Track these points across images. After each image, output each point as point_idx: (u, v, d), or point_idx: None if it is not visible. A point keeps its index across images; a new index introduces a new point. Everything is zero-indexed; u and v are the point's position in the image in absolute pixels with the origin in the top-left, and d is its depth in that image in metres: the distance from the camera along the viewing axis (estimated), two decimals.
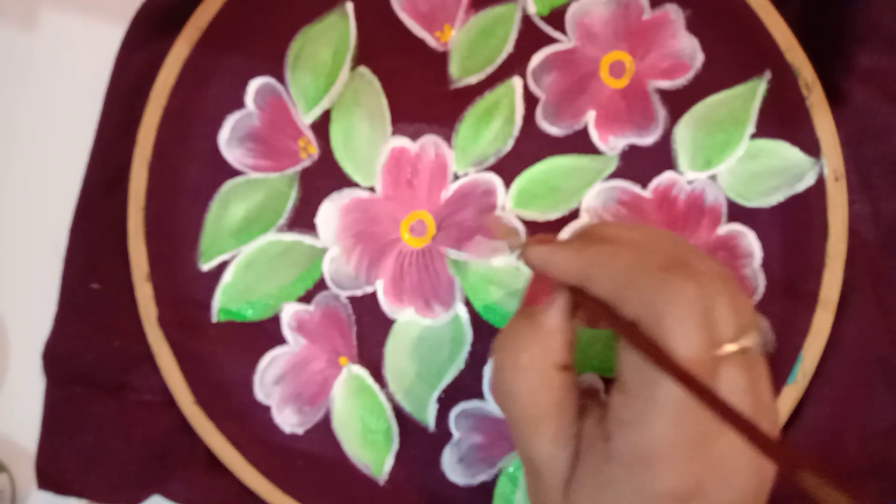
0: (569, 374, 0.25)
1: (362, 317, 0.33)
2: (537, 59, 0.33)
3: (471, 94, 0.33)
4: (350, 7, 0.33)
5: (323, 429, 0.33)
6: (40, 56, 0.35)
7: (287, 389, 0.33)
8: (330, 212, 0.33)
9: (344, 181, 0.33)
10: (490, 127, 0.33)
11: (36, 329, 0.33)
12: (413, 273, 0.33)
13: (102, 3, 0.34)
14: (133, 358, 0.33)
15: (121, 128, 0.33)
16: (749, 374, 0.22)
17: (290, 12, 0.33)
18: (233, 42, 0.33)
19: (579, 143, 0.33)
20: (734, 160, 0.32)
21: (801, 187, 0.32)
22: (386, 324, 0.33)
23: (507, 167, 0.33)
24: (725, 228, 0.32)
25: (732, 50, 0.32)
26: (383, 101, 0.33)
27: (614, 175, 0.33)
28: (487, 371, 0.32)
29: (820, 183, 0.32)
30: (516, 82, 0.33)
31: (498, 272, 0.33)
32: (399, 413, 0.33)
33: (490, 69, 0.33)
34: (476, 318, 0.32)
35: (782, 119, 0.32)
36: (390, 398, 0.33)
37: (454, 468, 0.32)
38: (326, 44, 0.33)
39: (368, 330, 0.33)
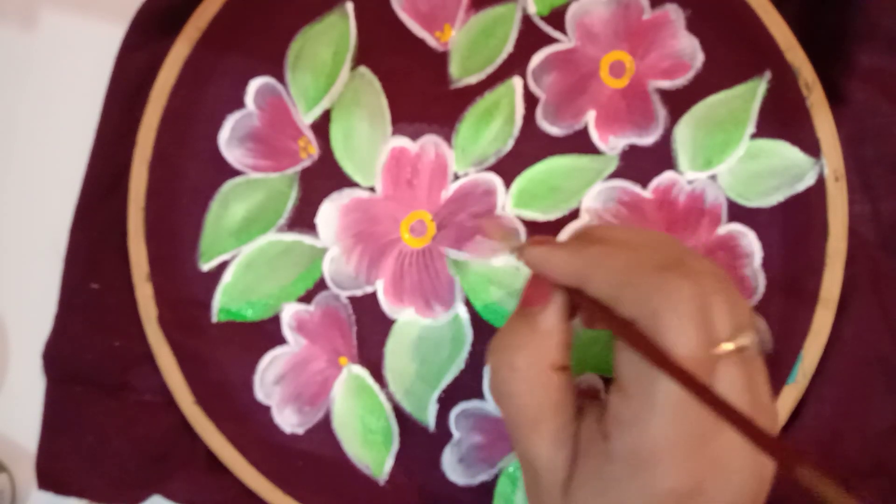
0: (565, 375, 0.25)
1: (362, 317, 0.33)
2: (537, 59, 0.33)
3: (471, 93, 0.33)
4: (350, 7, 0.33)
5: (323, 429, 0.33)
6: (40, 56, 0.35)
7: (287, 389, 0.33)
8: (330, 212, 0.33)
9: (344, 181, 0.33)
10: (490, 127, 0.33)
11: (36, 329, 0.33)
12: (413, 273, 0.33)
13: (102, 3, 0.34)
14: (133, 358, 0.33)
15: (121, 128, 0.33)
16: (746, 373, 0.22)
17: (290, 12, 0.33)
18: (233, 42, 0.33)
19: (579, 143, 0.33)
20: (734, 160, 0.32)
21: (801, 187, 0.32)
22: (386, 324, 0.33)
23: (508, 167, 0.33)
24: (725, 228, 0.32)
25: (732, 50, 0.32)
26: (383, 101, 0.33)
27: (614, 175, 0.33)
28: (488, 371, 0.32)
29: (820, 183, 0.32)
30: (516, 82, 0.33)
31: (498, 272, 0.33)
32: (399, 413, 0.33)
33: (490, 69, 0.33)
34: (476, 318, 0.32)
35: (782, 119, 0.32)
36: (390, 398, 0.33)
37: (454, 468, 0.32)
38: (326, 44, 0.33)
39: (368, 330, 0.33)
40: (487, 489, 0.32)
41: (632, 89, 0.33)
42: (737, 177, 0.32)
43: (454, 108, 0.33)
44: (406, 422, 0.33)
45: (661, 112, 0.33)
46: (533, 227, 0.33)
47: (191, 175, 0.33)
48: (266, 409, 0.33)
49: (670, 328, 0.21)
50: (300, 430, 0.33)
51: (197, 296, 0.33)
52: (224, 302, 0.33)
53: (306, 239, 0.33)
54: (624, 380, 0.22)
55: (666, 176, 0.33)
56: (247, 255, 0.33)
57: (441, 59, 0.33)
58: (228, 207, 0.33)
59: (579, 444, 0.24)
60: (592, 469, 0.23)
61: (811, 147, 0.32)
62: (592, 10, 0.33)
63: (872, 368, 0.32)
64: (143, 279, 0.32)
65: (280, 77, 0.33)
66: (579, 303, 0.24)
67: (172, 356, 0.32)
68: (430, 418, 0.33)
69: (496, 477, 0.32)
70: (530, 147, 0.33)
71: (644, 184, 0.33)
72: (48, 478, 0.32)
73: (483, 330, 0.32)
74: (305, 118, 0.33)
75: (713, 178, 0.33)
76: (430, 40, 0.33)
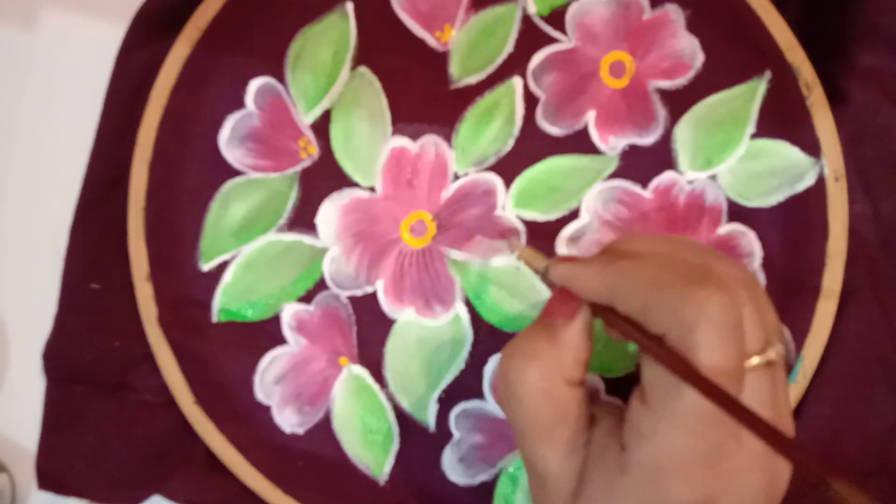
0: (579, 390, 0.25)
1: (362, 317, 0.33)
2: (537, 59, 0.33)
3: (471, 93, 0.33)
4: (350, 7, 0.33)
5: (323, 429, 0.33)
6: (40, 56, 0.35)
7: (287, 389, 0.33)
8: (330, 212, 0.33)
9: (344, 181, 0.33)
10: (490, 127, 0.33)
11: (36, 329, 0.33)
12: (413, 273, 0.33)
13: (102, 3, 0.34)
14: (133, 358, 0.33)
15: (121, 128, 0.33)
16: (772, 386, 0.22)
17: (290, 12, 0.33)
18: (233, 42, 0.33)
19: (579, 143, 0.33)
20: (734, 160, 0.32)
21: (801, 187, 0.32)
22: (386, 324, 0.33)
23: (508, 167, 0.33)
24: (725, 228, 0.32)
25: (732, 50, 0.32)
26: (383, 101, 0.33)
27: (614, 175, 0.33)
28: (488, 371, 0.32)
29: (820, 183, 0.32)
30: (516, 82, 0.33)
31: (498, 272, 0.33)
32: (399, 413, 0.33)
33: (490, 69, 0.33)
34: (476, 318, 0.32)
35: (782, 119, 0.32)
36: (390, 398, 0.33)
37: (454, 468, 0.32)
38: (326, 44, 0.33)
39: (368, 330, 0.33)
40: (487, 489, 0.32)
41: (632, 89, 0.33)
42: (737, 177, 0.32)
43: (454, 108, 0.33)
44: (406, 422, 0.33)
45: (661, 112, 0.33)
46: (533, 227, 0.33)
47: (191, 175, 0.33)
48: (266, 409, 0.33)
49: (703, 343, 0.20)
50: (300, 430, 0.33)
51: (197, 296, 0.33)
52: (224, 302, 0.33)
53: (306, 239, 0.33)
54: (648, 391, 0.22)
55: (666, 176, 0.33)
56: (247, 255, 0.33)
57: (441, 59, 0.33)
58: (228, 207, 0.33)
59: (590, 454, 0.23)
60: (604, 480, 0.22)
61: (811, 147, 0.32)
62: (592, 10, 0.33)
63: (872, 368, 0.32)
64: (143, 279, 0.32)
65: (280, 77, 0.33)
66: (607, 319, 0.24)
67: (172, 356, 0.32)
68: (430, 418, 0.33)
69: (496, 477, 0.32)
70: (530, 147, 0.33)
71: (644, 184, 0.33)
72: (48, 478, 0.32)
73: (483, 330, 0.32)
74: (305, 118, 0.33)
75: (713, 177, 0.33)
76: (430, 40, 0.33)
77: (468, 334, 0.33)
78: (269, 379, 0.33)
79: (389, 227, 0.33)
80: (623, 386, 0.32)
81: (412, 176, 0.33)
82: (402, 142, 0.33)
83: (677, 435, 0.21)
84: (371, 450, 0.33)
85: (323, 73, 0.33)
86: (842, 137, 0.32)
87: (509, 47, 0.33)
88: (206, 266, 0.33)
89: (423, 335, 0.33)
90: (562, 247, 0.32)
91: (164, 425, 0.33)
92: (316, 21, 0.33)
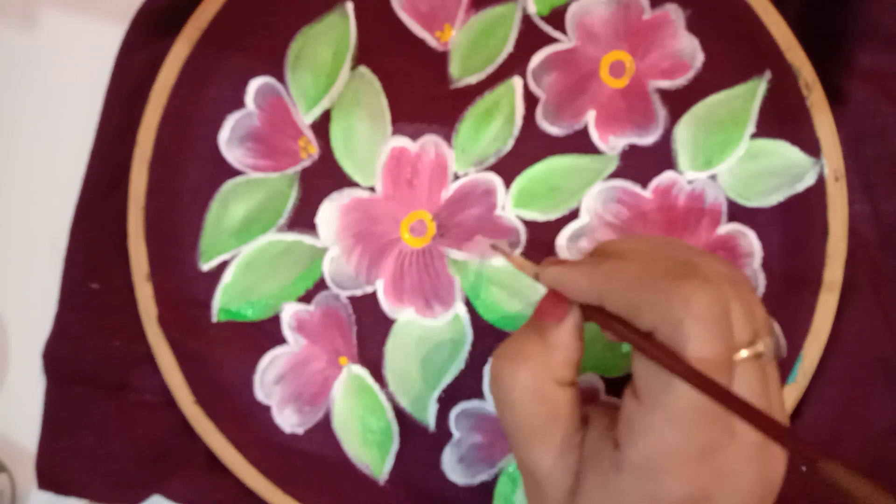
0: (571, 390, 0.25)
1: (362, 317, 0.33)
2: (537, 58, 0.33)
3: (471, 93, 0.33)
4: (350, 7, 0.33)
5: (323, 429, 0.33)
6: (40, 56, 0.35)
7: (287, 389, 0.33)
8: (330, 212, 0.33)
9: (344, 181, 0.33)
10: (490, 127, 0.33)
11: (36, 329, 0.33)
12: (413, 273, 0.33)
13: (102, 3, 0.34)
14: (133, 358, 0.33)
15: (121, 128, 0.33)
16: (762, 378, 0.22)
17: (290, 12, 0.33)
18: (233, 42, 0.33)
19: (579, 143, 0.33)
20: (734, 160, 0.32)
21: (801, 187, 0.32)
22: (386, 324, 0.33)
23: (508, 167, 0.33)
24: (725, 228, 0.32)
25: (732, 50, 0.32)
26: (383, 101, 0.33)
27: (614, 175, 0.33)
28: (487, 371, 0.32)
29: (820, 183, 0.32)
30: (516, 82, 0.33)
31: (498, 272, 0.33)
32: (399, 413, 0.33)
33: (490, 69, 0.33)
34: (476, 318, 0.32)
35: (782, 119, 0.32)
36: (390, 398, 0.33)
37: (454, 468, 0.32)
38: (326, 44, 0.33)
39: (368, 330, 0.33)
40: (487, 489, 0.32)
41: (632, 89, 0.33)
42: (737, 177, 0.32)
43: (454, 108, 0.33)
44: (406, 422, 0.33)
45: (661, 112, 0.33)
46: (533, 227, 0.33)
47: (191, 175, 0.33)
48: (266, 409, 0.33)
49: (692, 336, 0.21)
50: (300, 430, 0.33)
51: (197, 296, 0.33)
52: (224, 302, 0.33)
53: (306, 239, 0.33)
54: (640, 388, 0.22)
55: (666, 176, 0.33)
56: (247, 255, 0.33)
57: (441, 59, 0.33)
58: (228, 207, 0.33)
59: (584, 454, 0.24)
60: (599, 478, 0.22)
61: (811, 147, 0.32)
62: (592, 10, 0.33)
63: (872, 368, 0.32)
64: (143, 279, 0.32)
65: (280, 77, 0.33)
66: (596, 319, 0.24)
67: (172, 356, 0.32)
68: (430, 418, 0.33)
69: (496, 477, 0.32)
70: (530, 147, 0.33)
71: (644, 184, 0.33)
72: (48, 478, 0.32)
73: (483, 330, 0.32)
74: (305, 118, 0.33)
75: (713, 177, 0.33)
76: (430, 40, 0.33)
77: (468, 334, 0.32)
78: (269, 379, 0.33)
79: (389, 227, 0.33)
80: (623, 386, 0.32)
81: (412, 176, 0.33)
82: (402, 142, 0.33)
83: (670, 430, 0.21)
84: (371, 450, 0.33)
85: (323, 72, 0.33)
86: (842, 137, 0.32)
87: (509, 47, 0.33)
88: (206, 266, 0.33)
89: (423, 335, 0.33)
90: (562, 246, 0.32)
91: (164, 425, 0.33)
92: (316, 21, 0.33)
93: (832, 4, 0.32)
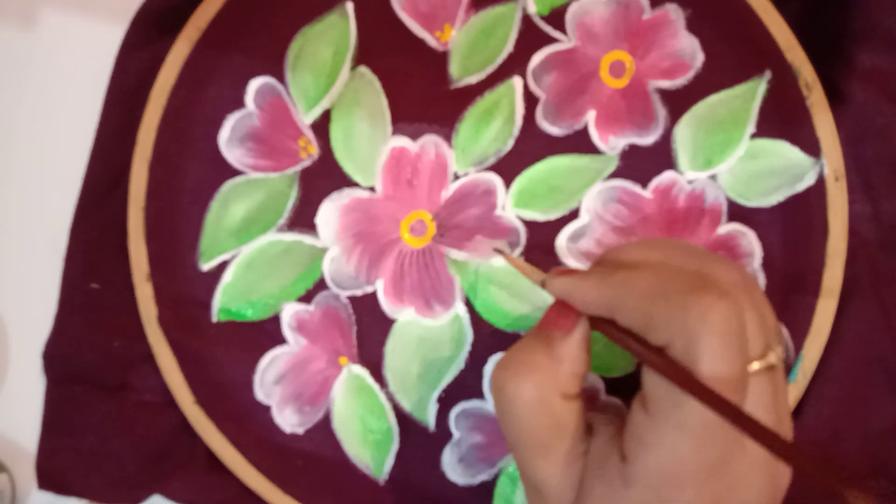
0: (576, 403, 0.24)
1: (362, 317, 0.33)
2: (537, 58, 0.33)
3: (471, 93, 0.33)
4: (350, 7, 0.33)
5: (323, 429, 0.33)
6: (40, 56, 0.35)
7: (287, 389, 0.33)
8: (330, 212, 0.33)
9: (344, 181, 0.33)
10: (490, 127, 0.33)
11: (36, 329, 0.33)
12: (413, 273, 0.33)
13: (102, 3, 0.34)
14: (133, 358, 0.33)
15: (121, 128, 0.33)
16: (772, 390, 0.22)
17: (290, 12, 0.33)
18: (233, 42, 0.33)
19: (579, 143, 0.33)
20: (734, 160, 0.32)
21: (801, 187, 0.32)
22: (386, 324, 0.33)
23: (508, 167, 0.33)
24: (725, 228, 0.32)
25: (732, 50, 0.32)
26: (383, 101, 0.33)
27: (614, 175, 0.33)
28: (488, 371, 0.32)
29: (820, 183, 0.32)
30: (516, 82, 0.33)
31: (498, 272, 0.33)
32: (399, 413, 0.33)
33: (490, 69, 0.33)
34: (476, 318, 0.32)
35: (782, 119, 0.32)
36: (390, 398, 0.33)
37: (454, 468, 0.32)
38: (326, 44, 0.33)
39: (368, 330, 0.33)
40: (487, 489, 0.32)
41: (632, 89, 0.33)
42: (737, 177, 0.32)
43: (454, 108, 0.33)
44: (406, 422, 0.33)
45: (661, 112, 0.33)
46: (533, 227, 0.33)
47: (191, 175, 0.33)
48: (266, 409, 0.33)
49: (708, 354, 0.20)
50: (300, 430, 0.33)
51: (197, 296, 0.33)
52: (224, 302, 0.33)
53: (306, 239, 0.33)
54: (651, 401, 0.22)
55: (666, 176, 0.33)
56: (247, 255, 0.33)
57: (441, 58, 0.33)
58: (228, 207, 0.33)
59: (589, 464, 0.23)
60: (606, 490, 0.22)
61: (811, 147, 0.32)
62: (592, 10, 0.33)
63: (872, 368, 0.32)
64: (143, 279, 0.32)
65: (280, 77, 0.33)
66: (605, 332, 0.24)
67: (172, 356, 0.32)
68: (430, 418, 0.33)
69: (496, 477, 0.32)
70: (530, 147, 0.33)
71: (644, 184, 0.33)
72: (48, 478, 0.32)
73: (483, 330, 0.32)
74: (305, 118, 0.33)
75: (713, 177, 0.33)
76: (430, 40, 0.33)
77: (468, 334, 0.32)
78: (269, 379, 0.33)
79: (389, 227, 0.33)
80: (623, 386, 0.32)
81: (412, 176, 0.33)
82: (402, 142, 0.33)
83: (683, 444, 0.20)
84: (371, 450, 0.33)
85: (323, 72, 0.33)
86: (842, 137, 0.32)
87: (509, 47, 0.33)
88: (206, 266, 0.33)
89: (423, 335, 0.33)
90: (562, 246, 0.32)
91: (164, 425, 0.33)
92: (316, 21, 0.33)
93: (832, 4, 0.32)
